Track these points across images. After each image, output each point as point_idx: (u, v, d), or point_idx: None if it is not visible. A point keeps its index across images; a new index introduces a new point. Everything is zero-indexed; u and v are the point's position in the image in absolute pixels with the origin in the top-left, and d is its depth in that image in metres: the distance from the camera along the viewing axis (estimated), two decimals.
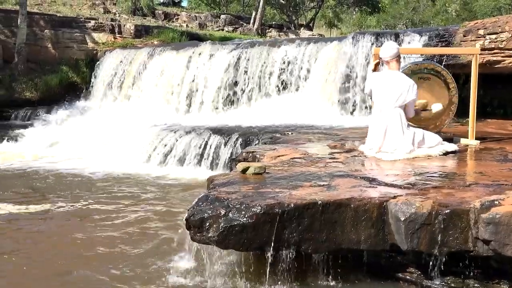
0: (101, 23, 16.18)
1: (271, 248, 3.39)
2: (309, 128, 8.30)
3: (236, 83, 11.54)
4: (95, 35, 15.74)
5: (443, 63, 7.89)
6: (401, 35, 9.75)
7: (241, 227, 3.34)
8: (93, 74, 14.37)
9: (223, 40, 15.58)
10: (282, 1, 27.42)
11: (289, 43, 11.54)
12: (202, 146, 8.20)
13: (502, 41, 7.78)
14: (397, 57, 5.37)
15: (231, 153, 7.71)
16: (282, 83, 10.97)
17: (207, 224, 3.39)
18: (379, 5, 34.44)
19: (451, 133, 6.53)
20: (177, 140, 8.59)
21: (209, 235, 3.38)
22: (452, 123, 6.88)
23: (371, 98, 5.63)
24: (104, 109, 13.19)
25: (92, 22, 16.08)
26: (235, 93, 11.51)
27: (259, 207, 3.37)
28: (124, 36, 16.12)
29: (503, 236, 3.21)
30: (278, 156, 5.12)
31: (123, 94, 13.37)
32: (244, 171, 4.21)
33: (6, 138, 10.74)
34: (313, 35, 22.41)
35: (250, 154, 5.45)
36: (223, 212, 3.40)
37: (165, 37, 15.86)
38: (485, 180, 4.08)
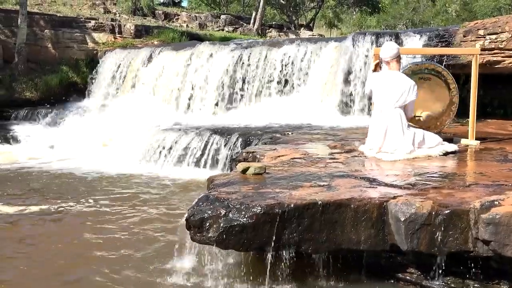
0: (101, 23, 16.18)
1: (271, 248, 3.39)
2: (309, 128, 8.31)
3: (236, 83, 11.53)
4: (95, 35, 15.74)
5: (443, 64, 7.89)
6: (401, 35, 9.75)
7: (241, 227, 3.35)
8: (93, 74, 14.37)
9: (223, 40, 15.58)
10: (282, 1, 27.42)
11: (289, 43, 11.54)
12: (202, 146, 8.19)
13: (502, 41, 7.78)
14: (397, 58, 5.37)
15: (231, 153, 7.71)
16: (282, 83, 10.97)
17: (207, 224, 3.39)
18: (379, 6, 34.44)
19: (451, 134, 6.53)
20: (177, 141, 8.59)
21: (209, 235, 3.38)
22: (452, 123, 6.88)
23: (371, 99, 5.63)
24: (104, 109, 13.19)
25: (92, 22, 16.08)
26: (235, 93, 11.50)
27: (259, 207, 3.37)
28: (124, 36, 16.12)
29: (503, 236, 3.21)
30: (278, 156, 5.12)
31: (123, 94, 13.37)
32: (244, 171, 4.21)
33: (5, 138, 10.73)
34: (313, 35, 22.41)
35: (250, 154, 5.45)
36: (223, 212, 3.40)
37: (165, 37, 15.86)
38: (485, 181, 4.08)
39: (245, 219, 3.35)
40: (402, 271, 3.67)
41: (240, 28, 21.34)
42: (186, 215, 3.51)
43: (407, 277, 3.66)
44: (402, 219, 3.41)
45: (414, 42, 9.31)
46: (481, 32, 8.08)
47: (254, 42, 12.79)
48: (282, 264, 3.49)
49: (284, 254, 3.47)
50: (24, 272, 4.06)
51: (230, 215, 3.38)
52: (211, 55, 12.21)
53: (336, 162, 4.87)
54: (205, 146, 8.17)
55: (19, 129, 11.43)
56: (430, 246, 3.39)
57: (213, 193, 3.67)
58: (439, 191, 3.74)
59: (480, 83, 6.10)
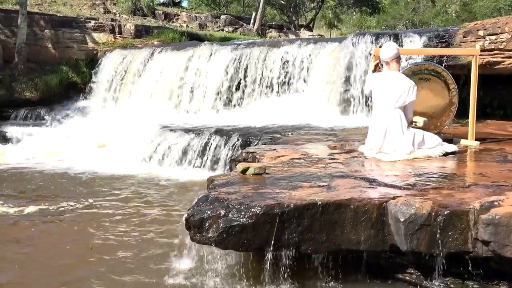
0: (101, 23, 16.18)
1: (271, 249, 3.39)
2: (308, 128, 8.30)
3: (236, 84, 11.54)
4: (95, 35, 15.74)
5: (443, 64, 7.89)
6: (401, 36, 9.75)
7: (240, 227, 3.35)
8: (93, 74, 14.37)
9: (223, 40, 15.59)
10: (282, 2, 27.43)
11: (289, 43, 11.55)
12: (202, 147, 8.20)
13: (502, 42, 7.78)
14: (397, 58, 5.37)
15: (231, 154, 7.71)
16: (282, 84, 10.97)
17: (207, 224, 3.39)
18: (379, 6, 34.43)
19: (451, 134, 6.53)
20: (177, 141, 8.59)
21: (209, 235, 3.38)
22: (452, 124, 6.89)
23: (371, 99, 5.63)
24: (104, 109, 13.21)
25: (92, 22, 16.08)
26: (235, 93, 11.51)
27: (259, 208, 3.37)
28: (124, 36, 16.12)
29: (502, 237, 3.21)
30: (278, 157, 5.12)
31: (123, 94, 13.37)
32: (244, 171, 4.22)
33: (4, 138, 10.73)
34: (313, 35, 22.42)
35: (250, 155, 5.45)
36: (223, 212, 3.40)
37: (165, 37, 15.86)
38: (484, 181, 4.08)
39: (244, 220, 3.35)
40: (401, 272, 3.68)
41: (240, 28, 21.34)
42: (185, 215, 3.51)
43: (407, 278, 3.66)
44: (402, 219, 3.41)
45: (414, 43, 9.31)
46: (481, 32, 8.08)
47: (254, 43, 12.79)
48: (282, 264, 3.49)
49: (283, 254, 3.46)
50: (24, 273, 4.06)
51: (230, 215, 3.38)
52: (211, 55, 12.22)
53: (336, 162, 4.87)
54: (205, 146, 8.17)
55: (19, 129, 11.42)
56: (430, 246, 3.39)
57: (213, 193, 3.67)
58: (438, 192, 3.74)
59: (480, 83, 6.10)
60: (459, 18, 27.06)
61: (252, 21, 22.29)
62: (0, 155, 9.62)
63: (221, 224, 3.36)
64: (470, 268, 3.46)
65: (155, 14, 20.53)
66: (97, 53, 15.19)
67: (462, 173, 4.62)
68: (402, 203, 3.47)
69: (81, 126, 11.15)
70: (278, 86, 10.98)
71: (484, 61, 7.86)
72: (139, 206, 6.03)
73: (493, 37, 7.87)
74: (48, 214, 5.71)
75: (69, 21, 15.83)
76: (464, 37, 8.39)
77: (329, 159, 5.02)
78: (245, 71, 11.48)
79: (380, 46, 5.83)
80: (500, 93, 8.89)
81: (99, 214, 5.69)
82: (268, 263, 3.46)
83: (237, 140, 7.86)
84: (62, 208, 5.94)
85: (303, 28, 26.04)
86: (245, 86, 11.39)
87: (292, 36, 20.59)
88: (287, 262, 3.48)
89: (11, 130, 11.29)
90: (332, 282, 3.62)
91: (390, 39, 9.38)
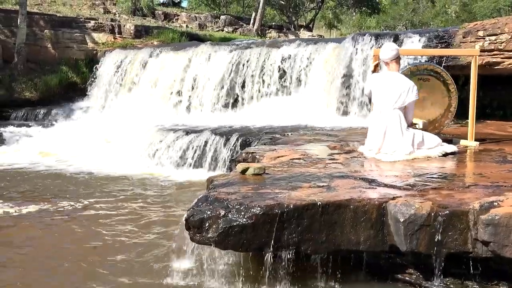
0: (101, 23, 16.18)
1: (271, 249, 3.39)
2: (308, 129, 8.31)
3: (235, 84, 11.54)
4: (95, 35, 15.74)
5: (443, 65, 7.89)
6: (400, 36, 9.75)
7: (240, 227, 3.35)
8: (92, 74, 14.38)
9: (223, 40, 15.60)
10: (282, 2, 27.45)
11: (289, 44, 11.55)
12: (202, 147, 8.20)
13: (501, 43, 7.79)
14: (397, 58, 5.38)
15: (231, 154, 7.71)
16: (281, 84, 10.98)
17: (207, 224, 3.39)
18: (379, 6, 34.48)
19: (450, 134, 6.53)
20: (176, 141, 8.59)
21: (209, 235, 3.38)
22: (451, 124, 6.89)
23: (370, 99, 5.63)
24: (104, 109, 13.21)
25: (92, 22, 16.08)
26: (234, 93, 11.51)
27: (259, 208, 3.37)
28: (124, 36, 16.13)
29: (502, 237, 3.21)
30: (278, 157, 5.12)
31: (122, 95, 13.37)
32: (243, 171, 4.22)
33: (4, 138, 10.72)
34: (312, 36, 22.43)
35: (250, 155, 5.45)
36: (222, 212, 3.40)
37: (165, 37, 15.87)
38: (484, 182, 4.09)
39: (244, 220, 3.35)
40: (401, 272, 3.68)
41: (239, 28, 21.35)
42: (185, 215, 3.51)
43: (407, 278, 3.66)
44: (402, 220, 3.41)
45: (414, 43, 9.31)
46: (480, 33, 8.09)
47: (253, 43, 12.79)
48: (282, 264, 3.49)
49: (283, 254, 3.46)
50: (24, 273, 4.06)
51: (230, 215, 3.38)
52: (210, 56, 12.22)
53: (336, 162, 4.87)
54: (205, 146, 8.17)
55: (18, 129, 11.41)
56: (430, 247, 3.39)
57: (213, 193, 3.67)
58: (438, 192, 3.74)
59: (479, 84, 6.11)
60: (458, 19, 27.06)
61: (251, 21, 22.30)
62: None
63: (221, 225, 3.36)
64: (469, 269, 3.46)
65: (155, 14, 20.53)
66: (97, 53, 15.20)
67: (462, 174, 4.63)
68: (402, 204, 3.47)
69: (80, 126, 11.14)
70: (278, 86, 10.99)
71: (484, 61, 7.86)
72: (139, 206, 6.03)
73: (493, 38, 7.88)
74: (47, 214, 5.71)
75: (68, 21, 15.84)
76: (463, 37, 8.40)
77: (329, 160, 5.02)
78: (245, 71, 11.48)
79: (380, 47, 5.82)
80: (500, 93, 8.90)
81: (98, 214, 5.69)
82: (268, 263, 3.46)
83: (237, 140, 7.86)
84: (62, 209, 5.94)
85: (302, 29, 26.07)
86: (245, 86, 11.39)
87: (291, 37, 20.60)
88: (287, 263, 3.48)
89: (10, 130, 11.28)
90: (331, 283, 3.62)
91: (390, 40, 9.38)
